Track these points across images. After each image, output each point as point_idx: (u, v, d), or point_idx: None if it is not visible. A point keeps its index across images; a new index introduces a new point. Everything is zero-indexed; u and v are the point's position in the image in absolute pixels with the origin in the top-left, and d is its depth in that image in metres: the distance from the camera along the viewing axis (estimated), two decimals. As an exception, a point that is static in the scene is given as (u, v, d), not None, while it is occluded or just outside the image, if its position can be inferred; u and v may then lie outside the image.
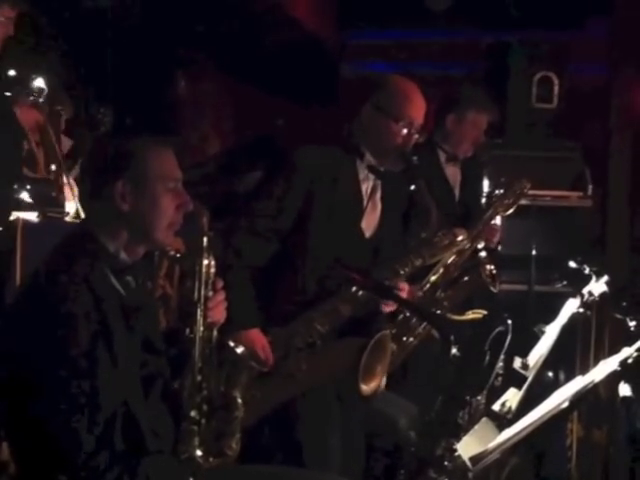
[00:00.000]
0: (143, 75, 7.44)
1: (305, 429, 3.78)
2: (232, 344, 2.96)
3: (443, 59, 8.65)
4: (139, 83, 7.21)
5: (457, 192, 5.29)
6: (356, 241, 3.88)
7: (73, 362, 2.54)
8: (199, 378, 2.86)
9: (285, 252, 3.81)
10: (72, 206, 4.70)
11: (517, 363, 4.12)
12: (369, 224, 3.95)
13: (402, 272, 3.91)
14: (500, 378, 4.26)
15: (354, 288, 3.67)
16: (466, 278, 4.69)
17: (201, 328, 2.87)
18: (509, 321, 3.66)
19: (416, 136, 3.90)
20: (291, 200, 3.77)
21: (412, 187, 3.97)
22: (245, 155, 6.84)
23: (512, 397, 3.73)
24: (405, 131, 3.82)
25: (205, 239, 2.91)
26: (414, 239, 4.12)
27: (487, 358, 3.62)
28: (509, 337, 3.66)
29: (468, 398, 3.39)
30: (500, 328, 3.67)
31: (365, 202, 3.91)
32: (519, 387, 3.84)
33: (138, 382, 2.72)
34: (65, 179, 4.98)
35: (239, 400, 2.95)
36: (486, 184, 6.64)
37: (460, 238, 4.15)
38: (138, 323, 2.76)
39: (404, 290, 3.92)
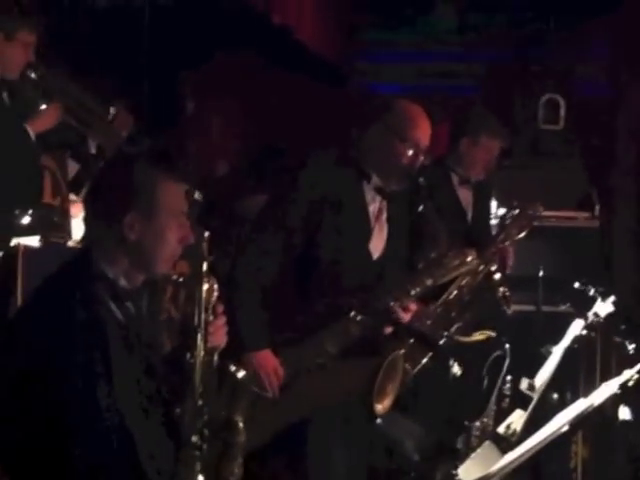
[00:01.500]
0: (154, 93, 7.48)
1: (310, 449, 3.78)
2: (233, 368, 2.96)
3: (453, 79, 8.66)
4: (149, 102, 7.24)
5: (469, 214, 5.32)
6: (364, 263, 3.90)
7: (71, 387, 2.55)
8: (200, 403, 2.85)
9: (294, 270, 3.83)
10: (80, 231, 4.70)
11: (524, 384, 4.11)
12: (377, 245, 3.98)
13: (413, 292, 3.93)
14: (507, 400, 4.25)
15: (353, 312, 3.68)
16: (479, 299, 4.70)
17: (202, 353, 2.87)
18: (507, 345, 3.65)
19: (422, 158, 3.94)
20: (296, 218, 3.79)
21: (420, 208, 4.00)
22: (252, 172, 6.87)
23: (517, 419, 3.72)
24: (411, 152, 3.87)
25: (205, 264, 2.91)
26: (423, 259, 4.14)
27: (485, 383, 3.60)
28: (507, 361, 3.65)
29: (466, 423, 3.37)
30: (498, 352, 3.66)
31: (372, 224, 3.94)
32: (526, 409, 3.83)
33: (138, 407, 2.72)
34: (72, 203, 5.00)
35: (240, 424, 2.94)
36: (494, 205, 6.64)
37: (470, 258, 4.17)
38: (137, 348, 2.77)
39: (411, 310, 3.92)
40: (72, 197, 5.15)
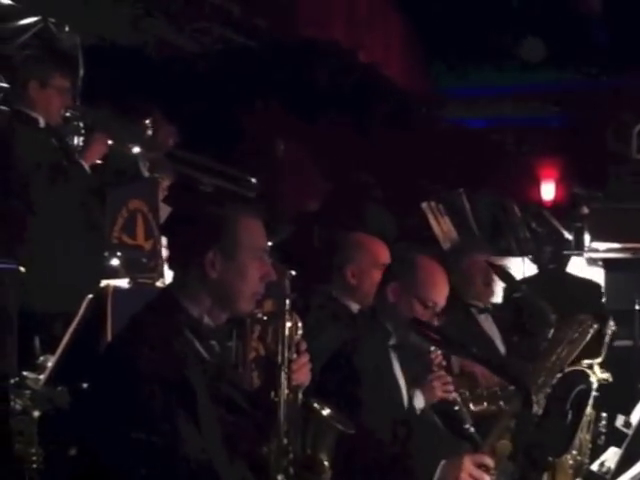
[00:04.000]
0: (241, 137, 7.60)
1: None
2: (317, 406, 2.94)
3: (539, 112, 8.59)
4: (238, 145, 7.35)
5: None
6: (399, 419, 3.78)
7: (154, 426, 2.57)
8: (285, 441, 2.84)
9: None
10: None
11: (619, 421, 4.01)
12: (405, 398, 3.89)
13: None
14: (603, 437, 4.15)
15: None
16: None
17: (286, 391, 2.87)
18: (592, 378, 3.56)
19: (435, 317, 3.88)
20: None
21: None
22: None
23: (612, 456, 3.63)
24: (427, 313, 3.82)
25: (288, 301, 2.92)
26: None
27: (569, 417, 3.51)
28: (592, 394, 3.56)
29: (550, 459, 3.29)
30: (582, 386, 3.57)
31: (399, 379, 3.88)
32: (620, 446, 3.73)
33: (222, 445, 2.72)
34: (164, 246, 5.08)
35: (325, 463, 2.92)
36: (587, 238, 6.54)
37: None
38: (222, 386, 2.78)
39: None
40: (164, 240, 5.23)
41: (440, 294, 3.89)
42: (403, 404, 3.85)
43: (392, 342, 3.87)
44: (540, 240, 7.12)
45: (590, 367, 4.61)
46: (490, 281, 5.27)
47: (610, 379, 4.64)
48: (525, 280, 6.47)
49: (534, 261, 6.62)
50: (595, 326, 4.44)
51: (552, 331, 4.49)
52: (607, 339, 4.80)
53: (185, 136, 6.02)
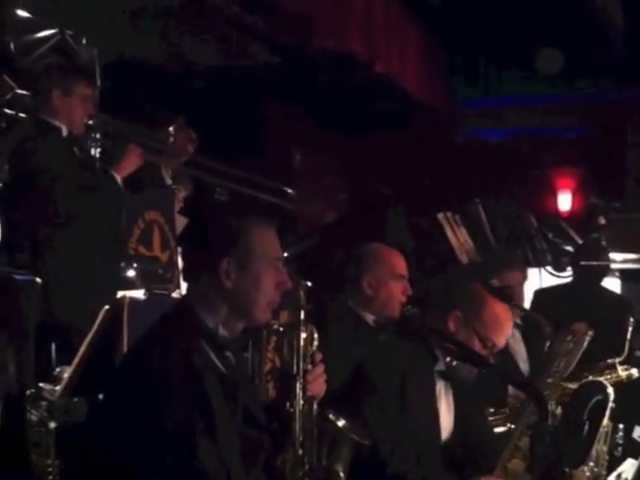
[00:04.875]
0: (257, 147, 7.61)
1: None
2: (333, 417, 2.94)
3: (556, 122, 8.59)
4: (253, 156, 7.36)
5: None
6: (432, 442, 3.77)
7: (171, 437, 2.57)
8: (300, 452, 2.85)
9: None
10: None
11: (637, 432, 4.00)
12: (445, 424, 3.83)
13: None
14: (620, 448, 4.13)
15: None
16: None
17: (301, 402, 2.87)
18: (609, 390, 3.55)
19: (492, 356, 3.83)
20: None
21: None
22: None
23: (629, 468, 3.62)
24: (485, 351, 3.77)
25: (302, 312, 2.92)
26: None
27: (586, 428, 3.50)
28: (609, 406, 3.55)
29: (567, 470, 3.28)
30: (599, 397, 3.56)
31: (439, 403, 3.82)
32: (637, 457, 3.72)
33: (239, 457, 2.72)
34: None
35: (341, 474, 2.92)
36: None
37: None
38: (238, 398, 2.78)
39: None
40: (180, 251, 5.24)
41: (502, 337, 3.81)
42: (435, 431, 3.77)
43: (439, 368, 3.79)
44: (557, 251, 7.11)
45: (613, 366, 4.63)
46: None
47: (637, 374, 4.67)
48: (553, 289, 6.46)
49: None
50: (590, 333, 4.43)
51: (547, 344, 4.50)
52: (629, 335, 4.81)
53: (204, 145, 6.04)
